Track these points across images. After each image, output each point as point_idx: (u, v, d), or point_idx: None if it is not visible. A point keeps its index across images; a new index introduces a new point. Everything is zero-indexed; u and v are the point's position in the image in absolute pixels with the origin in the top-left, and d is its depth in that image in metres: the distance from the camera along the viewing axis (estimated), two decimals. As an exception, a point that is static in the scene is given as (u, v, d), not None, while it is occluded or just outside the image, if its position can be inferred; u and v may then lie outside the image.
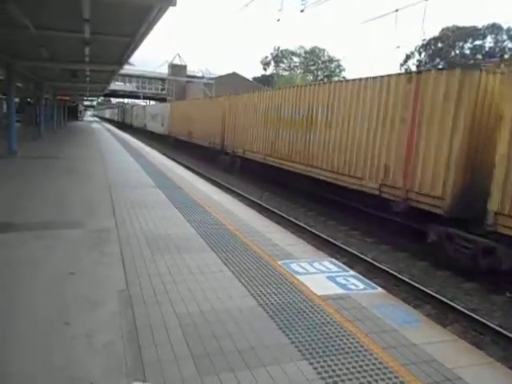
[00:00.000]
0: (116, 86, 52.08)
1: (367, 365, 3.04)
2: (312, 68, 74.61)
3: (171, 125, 31.41)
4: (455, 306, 6.18)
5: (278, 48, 75.96)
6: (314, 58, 74.58)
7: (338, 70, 73.58)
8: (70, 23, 8.78)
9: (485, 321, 5.75)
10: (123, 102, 77.74)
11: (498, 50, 49.81)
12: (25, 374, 2.76)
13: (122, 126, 57.78)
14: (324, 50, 74.70)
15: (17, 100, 22.72)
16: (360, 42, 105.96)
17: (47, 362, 2.88)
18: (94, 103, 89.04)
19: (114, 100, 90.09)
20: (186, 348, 3.09)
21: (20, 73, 16.38)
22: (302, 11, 14.52)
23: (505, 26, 49.85)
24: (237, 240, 5.93)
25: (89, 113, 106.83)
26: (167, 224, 6.58)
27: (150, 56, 69.61)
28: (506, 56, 42.43)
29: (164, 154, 21.64)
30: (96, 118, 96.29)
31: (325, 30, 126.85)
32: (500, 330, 5.52)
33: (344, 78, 59.22)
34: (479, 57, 47.91)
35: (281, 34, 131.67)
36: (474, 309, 6.28)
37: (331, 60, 73.96)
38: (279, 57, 76.04)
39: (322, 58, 74.82)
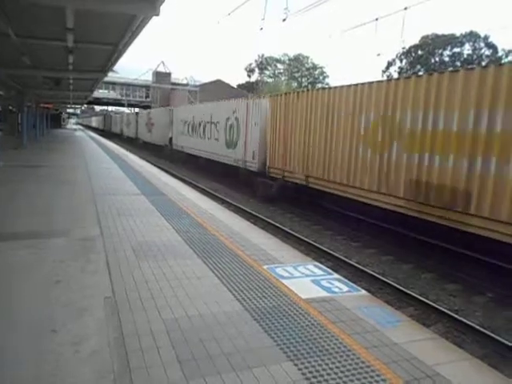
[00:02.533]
0: (100, 93, 51.77)
1: (350, 364, 3.12)
2: (296, 75, 75.36)
3: (278, 151, 13.55)
4: (437, 306, 6.32)
5: (263, 55, 76.70)
6: (298, 65, 75.38)
7: (321, 77, 74.57)
8: (53, 32, 8.75)
9: (466, 321, 5.90)
10: (107, 110, 77.19)
11: (475, 57, 51.22)
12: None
13: (116, 137, 46.75)
14: (308, 57, 75.65)
15: (-2, 108, 22.41)
16: (343, 49, 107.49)
17: (38, 369, 2.88)
18: (78, 111, 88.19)
19: (97, 108, 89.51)
20: (173, 353, 3.13)
21: (1, 80, 16.19)
22: (284, 20, 14.67)
23: (482, 34, 51.42)
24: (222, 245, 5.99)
25: (72, 121, 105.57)
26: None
27: (134, 64, 69.48)
28: (484, 63, 43.53)
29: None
30: (80, 126, 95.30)
31: (308, 37, 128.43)
32: (480, 329, 5.68)
33: (327, 84, 59.79)
34: (458, 64, 49.14)
35: (265, 42, 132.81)
36: (456, 309, 6.43)
37: (315, 67, 74.94)
38: (263, 64, 76.59)
39: (306, 65, 75.70)
